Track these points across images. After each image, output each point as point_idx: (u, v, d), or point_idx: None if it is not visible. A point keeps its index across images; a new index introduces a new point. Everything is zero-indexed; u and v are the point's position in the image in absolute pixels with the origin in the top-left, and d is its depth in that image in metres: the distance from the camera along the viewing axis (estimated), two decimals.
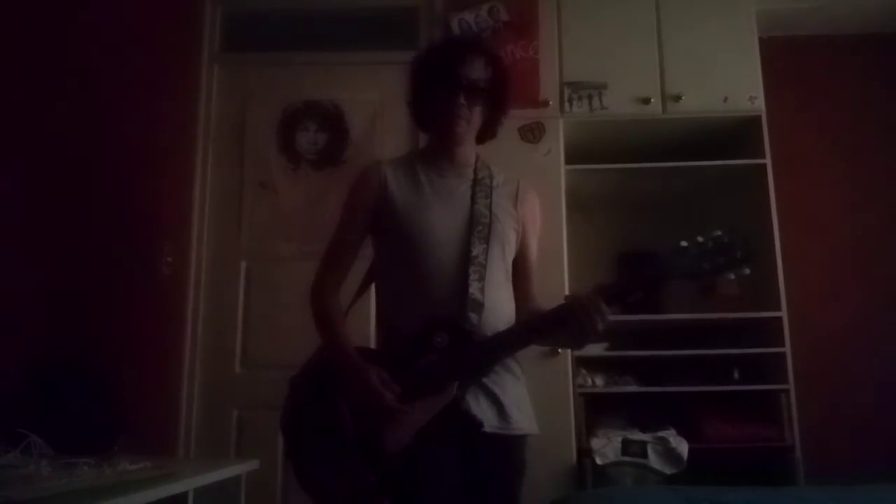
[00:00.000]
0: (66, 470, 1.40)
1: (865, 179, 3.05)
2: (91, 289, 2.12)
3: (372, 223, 1.62)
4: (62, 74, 2.03)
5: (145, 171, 2.46)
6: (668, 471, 2.36)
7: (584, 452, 2.39)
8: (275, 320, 2.60)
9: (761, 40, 2.74)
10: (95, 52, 2.19)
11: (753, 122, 2.66)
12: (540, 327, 1.50)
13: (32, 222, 1.90)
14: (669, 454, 2.37)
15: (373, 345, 1.69)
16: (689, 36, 2.72)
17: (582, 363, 2.55)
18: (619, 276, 1.51)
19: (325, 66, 2.88)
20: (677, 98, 2.66)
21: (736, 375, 2.54)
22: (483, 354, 1.46)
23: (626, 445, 2.39)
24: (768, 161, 2.61)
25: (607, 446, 2.39)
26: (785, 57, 2.97)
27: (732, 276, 1.45)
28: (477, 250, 1.51)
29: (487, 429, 1.46)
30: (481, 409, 1.46)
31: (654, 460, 2.37)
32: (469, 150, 1.65)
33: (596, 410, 2.53)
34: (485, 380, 1.48)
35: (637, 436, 2.42)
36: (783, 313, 2.49)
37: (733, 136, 2.75)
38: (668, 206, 2.89)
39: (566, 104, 2.69)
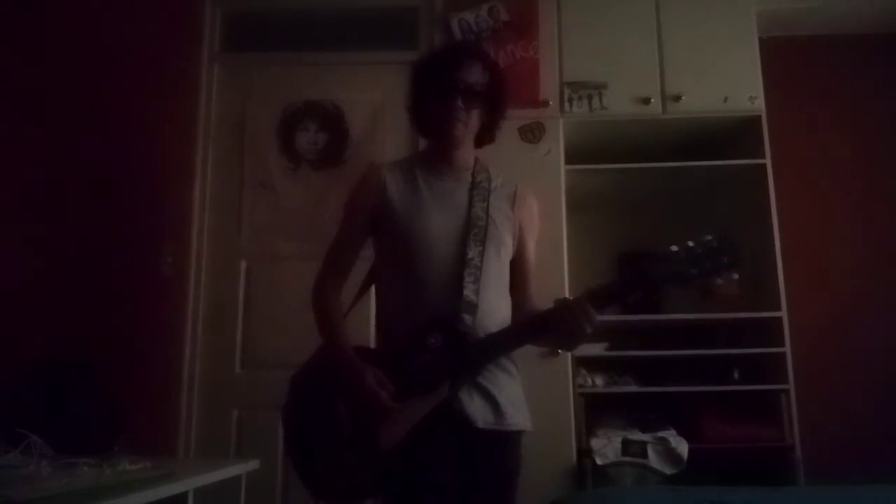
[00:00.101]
0: (66, 470, 1.40)
1: (866, 179, 3.05)
2: (91, 289, 2.12)
3: (372, 225, 1.65)
4: (62, 74, 2.03)
5: (145, 171, 2.47)
6: (668, 471, 2.36)
7: (584, 452, 2.39)
8: (275, 320, 2.60)
9: (761, 40, 2.74)
10: (95, 53, 2.19)
11: (753, 122, 2.66)
12: (529, 330, 1.55)
13: (32, 223, 1.90)
14: (669, 454, 2.37)
15: (373, 344, 1.71)
16: (689, 36, 2.72)
17: (582, 363, 2.55)
18: (608, 280, 1.53)
19: (325, 66, 2.87)
20: (677, 98, 2.66)
21: (736, 375, 2.54)
22: (475, 355, 1.50)
23: (626, 445, 2.39)
24: (768, 161, 2.61)
25: (607, 446, 2.39)
26: (785, 57, 2.97)
27: (720, 281, 1.47)
28: (473, 253, 1.54)
29: (481, 425, 1.49)
30: (475, 406, 1.50)
31: (654, 460, 2.37)
32: (467, 154, 1.68)
33: (596, 410, 2.53)
34: (479, 378, 1.51)
35: (637, 436, 2.42)
36: (783, 313, 2.49)
37: (733, 136, 2.75)
38: (668, 206, 2.89)
39: (566, 104, 2.69)
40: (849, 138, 3.08)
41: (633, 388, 2.55)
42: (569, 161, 2.66)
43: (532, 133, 2.67)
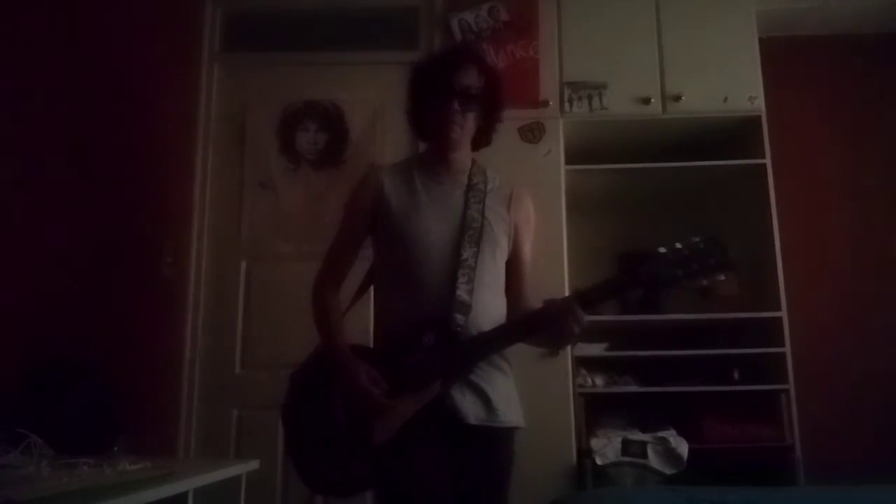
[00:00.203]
0: (66, 470, 1.40)
1: (865, 179, 3.05)
2: (91, 288, 2.12)
3: (370, 226, 1.68)
4: (62, 74, 2.04)
5: (145, 171, 2.47)
6: (668, 471, 2.36)
7: (584, 452, 2.39)
8: (275, 320, 2.60)
9: (761, 40, 2.74)
10: (96, 53, 2.20)
11: (753, 122, 2.66)
12: (519, 329, 1.58)
13: (32, 223, 1.90)
14: (669, 454, 2.38)
15: (372, 343, 1.72)
16: (689, 36, 2.72)
17: (582, 363, 2.55)
18: (596, 281, 1.55)
19: (325, 66, 2.87)
20: (677, 98, 2.66)
21: (736, 375, 2.54)
22: (466, 353, 1.53)
23: (626, 445, 2.39)
24: (768, 161, 2.61)
25: (607, 446, 2.39)
26: (785, 57, 2.97)
27: (706, 283, 1.49)
28: (467, 254, 1.57)
29: (473, 421, 1.52)
30: (467, 403, 1.52)
31: (654, 460, 2.37)
32: (464, 156, 1.71)
33: (596, 410, 2.53)
34: (472, 376, 1.54)
35: (637, 436, 2.42)
36: (783, 313, 2.49)
37: (733, 136, 2.75)
38: (668, 206, 2.89)
39: (566, 104, 2.69)
40: (849, 138, 3.08)
41: (633, 388, 2.55)
42: (569, 161, 2.66)
43: (532, 133, 2.67)
